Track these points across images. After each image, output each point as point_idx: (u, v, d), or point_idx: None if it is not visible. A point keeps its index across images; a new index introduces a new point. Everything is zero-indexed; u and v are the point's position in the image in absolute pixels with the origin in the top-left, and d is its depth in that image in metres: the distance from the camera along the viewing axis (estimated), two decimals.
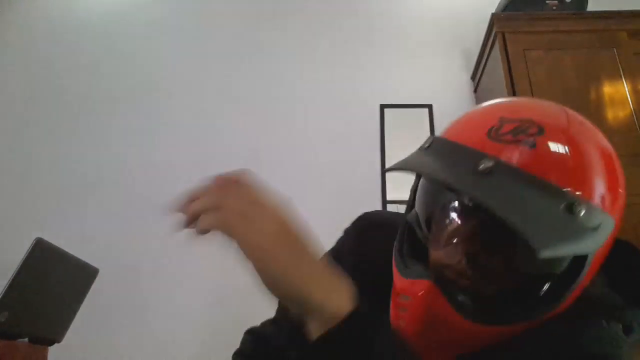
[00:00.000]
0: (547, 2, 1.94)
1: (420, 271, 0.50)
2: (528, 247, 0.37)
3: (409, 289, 0.49)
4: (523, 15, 1.91)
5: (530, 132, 0.44)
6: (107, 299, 1.80)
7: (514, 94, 1.74)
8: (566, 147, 0.44)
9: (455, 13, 2.41)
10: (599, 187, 0.44)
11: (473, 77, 2.24)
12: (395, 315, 0.52)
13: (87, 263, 1.48)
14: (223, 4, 2.49)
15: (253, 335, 0.71)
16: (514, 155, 0.43)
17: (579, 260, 0.45)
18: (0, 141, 2.20)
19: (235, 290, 1.87)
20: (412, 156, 0.52)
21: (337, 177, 2.06)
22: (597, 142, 0.47)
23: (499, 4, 2.06)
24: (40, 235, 1.25)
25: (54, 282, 1.33)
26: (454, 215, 0.50)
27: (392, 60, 2.31)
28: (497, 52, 1.87)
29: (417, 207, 0.55)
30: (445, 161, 0.47)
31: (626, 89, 1.72)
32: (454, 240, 0.49)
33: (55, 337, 1.37)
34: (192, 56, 2.36)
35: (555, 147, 0.44)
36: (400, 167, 0.49)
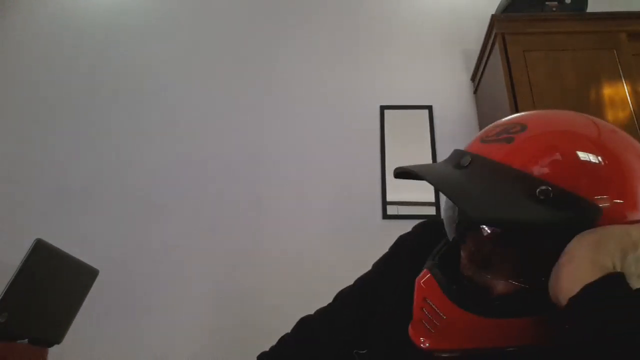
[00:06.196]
0: (547, 3, 1.94)
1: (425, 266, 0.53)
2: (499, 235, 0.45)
3: (417, 284, 0.52)
4: (523, 16, 1.91)
5: (512, 130, 0.48)
6: (107, 299, 1.80)
7: (514, 95, 1.74)
8: (546, 141, 0.46)
9: (456, 14, 2.41)
10: (582, 177, 0.42)
11: (473, 78, 2.24)
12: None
13: (87, 264, 1.48)
14: (223, 4, 2.50)
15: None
16: (490, 150, 0.47)
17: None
18: (0, 142, 2.20)
19: (235, 292, 1.87)
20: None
21: (337, 178, 2.06)
22: (589, 137, 0.47)
23: (499, 5, 2.07)
24: (40, 236, 1.24)
25: (54, 283, 1.33)
26: (445, 212, 0.56)
27: (392, 61, 2.32)
28: (497, 53, 1.87)
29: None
30: (441, 163, 0.52)
31: (626, 90, 1.72)
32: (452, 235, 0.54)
33: (55, 338, 1.36)
34: (192, 57, 2.36)
35: (534, 141, 0.46)
36: (401, 169, 0.51)
